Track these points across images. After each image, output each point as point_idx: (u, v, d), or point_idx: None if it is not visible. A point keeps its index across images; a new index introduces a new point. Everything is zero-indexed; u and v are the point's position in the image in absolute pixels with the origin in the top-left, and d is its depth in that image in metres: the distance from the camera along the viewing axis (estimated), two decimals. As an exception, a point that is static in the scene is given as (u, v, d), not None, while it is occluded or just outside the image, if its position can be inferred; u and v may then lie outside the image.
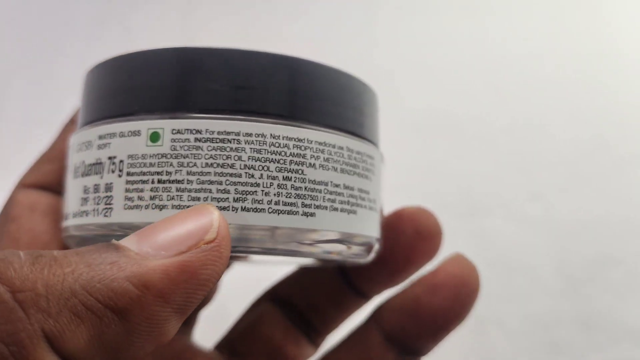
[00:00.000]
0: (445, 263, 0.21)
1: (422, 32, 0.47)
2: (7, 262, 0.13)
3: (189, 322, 0.25)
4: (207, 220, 0.15)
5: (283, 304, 0.24)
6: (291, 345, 0.24)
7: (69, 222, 0.18)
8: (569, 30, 0.46)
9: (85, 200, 0.17)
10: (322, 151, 0.17)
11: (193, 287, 0.14)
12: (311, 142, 0.17)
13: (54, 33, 0.46)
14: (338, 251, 0.18)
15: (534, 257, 0.41)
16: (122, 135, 0.17)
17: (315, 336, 0.25)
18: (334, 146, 0.18)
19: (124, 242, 0.14)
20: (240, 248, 0.17)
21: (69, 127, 0.22)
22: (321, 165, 0.17)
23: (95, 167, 0.17)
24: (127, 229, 0.17)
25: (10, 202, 0.21)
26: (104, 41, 0.41)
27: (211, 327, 0.26)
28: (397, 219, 0.22)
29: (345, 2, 0.48)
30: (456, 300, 0.21)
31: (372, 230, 0.19)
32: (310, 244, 0.17)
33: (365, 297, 0.24)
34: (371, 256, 0.20)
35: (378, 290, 0.24)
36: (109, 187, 0.17)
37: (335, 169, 0.18)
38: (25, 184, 0.21)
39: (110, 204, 0.17)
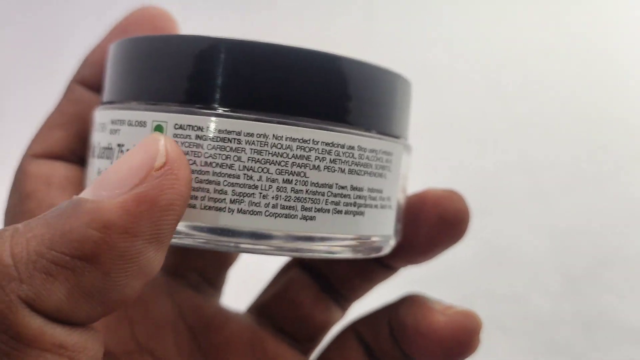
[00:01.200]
0: (440, 310, 0.21)
1: (422, 32, 0.45)
2: None
3: (217, 284, 0.26)
4: (152, 147, 0.15)
5: (311, 271, 0.25)
6: (320, 310, 0.24)
7: (87, 198, 0.19)
8: (570, 30, 0.44)
9: (98, 182, 0.18)
10: (329, 152, 0.17)
11: (158, 214, 0.14)
12: (317, 142, 0.16)
13: (55, 31, 0.46)
14: (344, 251, 0.18)
15: (534, 257, 0.40)
16: (130, 124, 0.17)
17: (343, 302, 0.25)
18: (342, 146, 0.17)
19: (81, 194, 0.15)
20: (245, 247, 0.17)
21: (73, 86, 0.21)
22: (326, 167, 0.17)
23: (106, 152, 0.18)
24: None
25: (22, 175, 0.20)
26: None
27: (244, 290, 0.27)
28: (421, 202, 0.21)
29: (345, 2, 0.45)
30: (430, 354, 0.21)
31: (382, 229, 0.18)
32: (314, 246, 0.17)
33: (392, 269, 0.24)
34: (386, 251, 0.19)
35: (403, 265, 0.23)
36: (117, 174, 0.17)
37: (343, 170, 0.17)
38: (35, 155, 0.20)
39: (117, 191, 0.17)
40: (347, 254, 0.18)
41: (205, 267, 0.25)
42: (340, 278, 0.24)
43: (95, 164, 0.18)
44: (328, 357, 0.24)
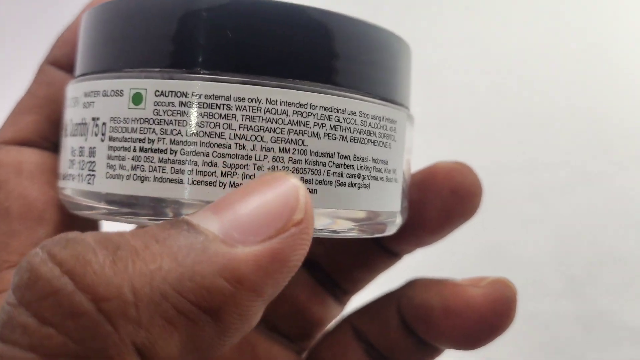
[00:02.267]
0: (473, 284, 0.19)
1: (422, 31, 0.46)
2: (84, 261, 0.11)
3: None
4: (291, 195, 0.13)
5: (308, 263, 0.23)
6: (317, 305, 0.23)
7: (61, 184, 0.17)
8: (570, 29, 0.44)
9: (72, 162, 0.16)
10: (329, 118, 0.15)
11: (284, 275, 0.13)
12: (315, 107, 0.15)
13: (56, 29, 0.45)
14: (349, 228, 0.16)
15: (534, 257, 0.40)
16: (105, 94, 0.15)
17: (342, 295, 0.23)
18: (343, 111, 0.15)
19: (201, 220, 0.13)
20: None
21: (45, 68, 0.19)
22: (326, 134, 0.15)
23: (80, 128, 0.16)
24: (110, 200, 0.15)
25: None
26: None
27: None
28: (431, 176, 0.20)
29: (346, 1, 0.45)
30: (466, 333, 0.18)
31: (389, 204, 0.17)
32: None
33: (396, 255, 0.22)
34: (392, 230, 0.18)
35: (410, 250, 0.22)
36: (92, 152, 0.15)
37: (344, 138, 0.15)
38: (4, 141, 0.18)
39: (93, 170, 0.15)
40: (353, 233, 0.16)
41: None
42: (339, 268, 0.23)
43: (68, 144, 0.16)
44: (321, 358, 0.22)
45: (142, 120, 0.15)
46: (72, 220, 0.18)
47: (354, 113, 0.15)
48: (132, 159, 0.15)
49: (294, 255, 0.13)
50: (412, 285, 0.20)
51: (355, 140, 0.15)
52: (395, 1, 0.47)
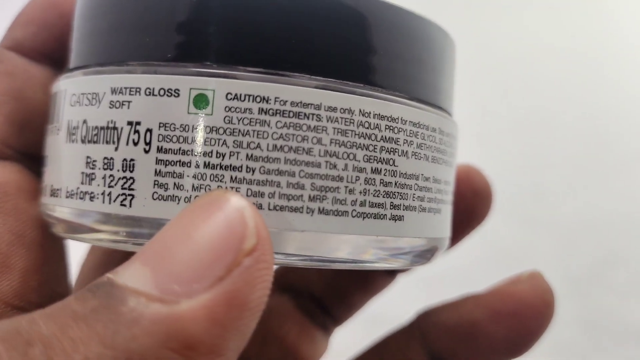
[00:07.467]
0: (515, 283, 0.18)
1: None
2: None
3: None
4: (235, 218, 0.10)
5: (296, 293, 0.21)
6: (307, 343, 0.20)
7: (58, 202, 0.13)
8: (572, 29, 0.45)
9: (88, 177, 0.13)
10: (416, 135, 0.13)
11: (247, 321, 0.10)
12: (405, 122, 0.13)
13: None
14: (414, 259, 0.14)
15: (536, 258, 0.40)
16: (149, 92, 0.12)
17: (331, 325, 0.21)
18: (427, 128, 0.13)
19: (129, 276, 0.10)
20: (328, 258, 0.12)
21: (3, 54, 0.15)
22: (414, 154, 0.13)
23: (106, 133, 0.12)
24: (156, 230, 0.12)
25: None
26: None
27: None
28: None
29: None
30: (522, 332, 0.17)
31: (448, 229, 0.15)
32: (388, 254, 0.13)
33: (392, 274, 0.21)
34: (437, 257, 0.16)
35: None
36: (129, 165, 0.12)
37: (427, 158, 0.14)
38: None
39: (131, 189, 0.12)
40: (418, 262, 0.15)
41: None
42: (336, 293, 0.21)
43: (79, 151, 0.13)
44: None
45: (208, 129, 0.12)
46: (44, 261, 0.14)
47: (434, 130, 0.14)
48: (194, 177, 0.12)
49: (254, 293, 0.10)
50: (433, 313, 0.19)
51: (435, 160, 0.14)
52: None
